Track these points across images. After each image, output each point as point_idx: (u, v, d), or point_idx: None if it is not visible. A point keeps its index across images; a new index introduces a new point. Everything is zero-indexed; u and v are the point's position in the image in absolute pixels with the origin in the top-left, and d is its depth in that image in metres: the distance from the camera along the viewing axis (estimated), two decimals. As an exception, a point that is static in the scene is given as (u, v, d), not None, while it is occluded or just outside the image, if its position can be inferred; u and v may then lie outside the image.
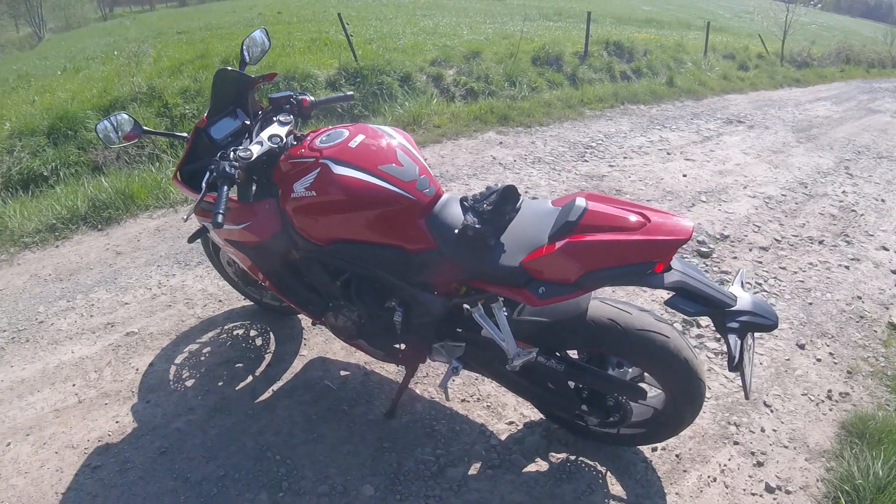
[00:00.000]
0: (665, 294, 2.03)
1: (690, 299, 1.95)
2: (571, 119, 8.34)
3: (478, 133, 7.39)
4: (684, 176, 6.22)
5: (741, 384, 2.02)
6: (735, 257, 4.50)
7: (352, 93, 3.09)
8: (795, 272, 4.37)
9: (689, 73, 12.10)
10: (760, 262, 4.46)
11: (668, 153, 7.03)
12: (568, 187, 5.70)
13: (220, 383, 3.11)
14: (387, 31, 13.47)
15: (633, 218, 1.95)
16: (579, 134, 7.63)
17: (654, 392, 2.44)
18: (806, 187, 6.19)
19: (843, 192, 6.18)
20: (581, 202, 2.03)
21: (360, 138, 2.35)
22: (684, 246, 3.17)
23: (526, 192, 5.55)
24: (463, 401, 3.00)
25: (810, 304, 4.01)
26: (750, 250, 4.64)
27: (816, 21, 29.38)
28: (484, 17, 19.84)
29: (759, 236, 4.89)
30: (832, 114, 10.52)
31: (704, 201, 5.55)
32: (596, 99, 9.34)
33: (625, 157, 6.76)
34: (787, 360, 3.44)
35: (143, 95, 7.60)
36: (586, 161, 6.55)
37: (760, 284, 4.16)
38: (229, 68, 2.71)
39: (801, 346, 3.57)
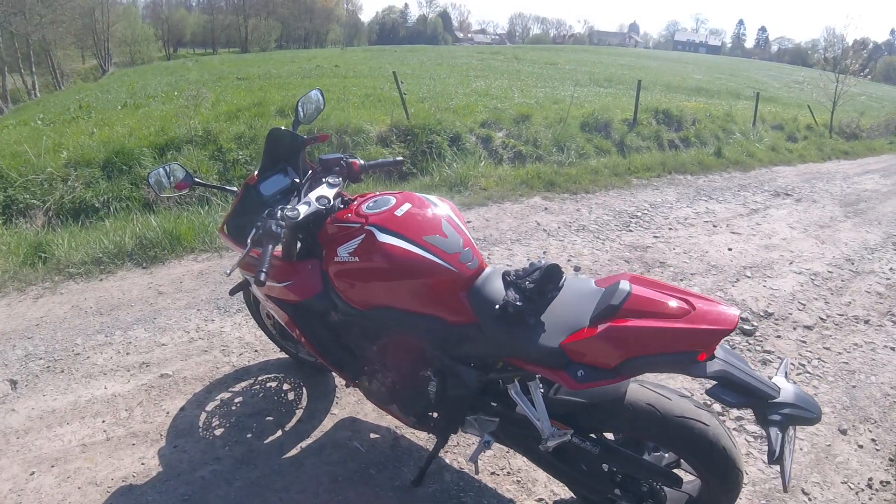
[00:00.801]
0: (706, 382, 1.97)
1: (733, 390, 1.88)
2: (618, 187, 8.30)
3: (523, 198, 7.38)
4: (729, 250, 6.11)
5: (780, 476, 1.93)
6: (779, 336, 4.37)
7: (401, 158, 3.10)
8: (840, 353, 4.22)
9: (738, 144, 12.03)
10: (804, 342, 4.31)
11: (714, 225, 6.94)
12: (611, 257, 5.65)
13: (249, 435, 3.07)
14: (439, 91, 13.72)
15: (677, 304, 1.90)
16: (625, 203, 7.59)
17: (689, 478, 2.35)
18: (853, 264, 6.03)
19: (891, 268, 5.99)
20: (625, 285, 1.98)
21: (406, 207, 2.35)
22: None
23: (569, 260, 5.51)
24: (492, 473, 2.91)
25: (854, 386, 3.85)
26: (794, 329, 4.49)
27: (866, 92, 29.13)
28: (536, 80, 20.13)
29: (804, 314, 4.75)
30: (880, 187, 10.30)
31: (749, 276, 5.43)
32: (643, 167, 9.31)
33: (670, 229, 6.68)
34: (828, 445, 3.28)
35: (199, 138, 7.80)
36: (631, 231, 6.49)
37: (804, 366, 4.01)
38: (283, 128, 2.74)
39: (843, 432, 3.41)
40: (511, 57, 34.00)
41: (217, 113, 9.53)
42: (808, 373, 3.95)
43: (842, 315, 4.79)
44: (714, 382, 1.90)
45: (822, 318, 4.70)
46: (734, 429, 3.32)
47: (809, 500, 2.90)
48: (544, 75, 23.03)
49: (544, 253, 5.63)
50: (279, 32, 77.63)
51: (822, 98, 17.49)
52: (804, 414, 1.86)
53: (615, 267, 5.41)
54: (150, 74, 26.34)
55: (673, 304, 1.90)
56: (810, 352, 4.19)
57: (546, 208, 7.08)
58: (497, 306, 2.10)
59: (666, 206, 7.59)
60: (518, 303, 2.05)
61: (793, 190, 9.18)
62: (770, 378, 1.96)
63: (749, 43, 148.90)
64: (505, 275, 2.27)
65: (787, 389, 1.90)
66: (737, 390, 1.87)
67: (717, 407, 3.43)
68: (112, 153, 7.08)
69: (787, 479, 1.88)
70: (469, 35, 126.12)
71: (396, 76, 10.03)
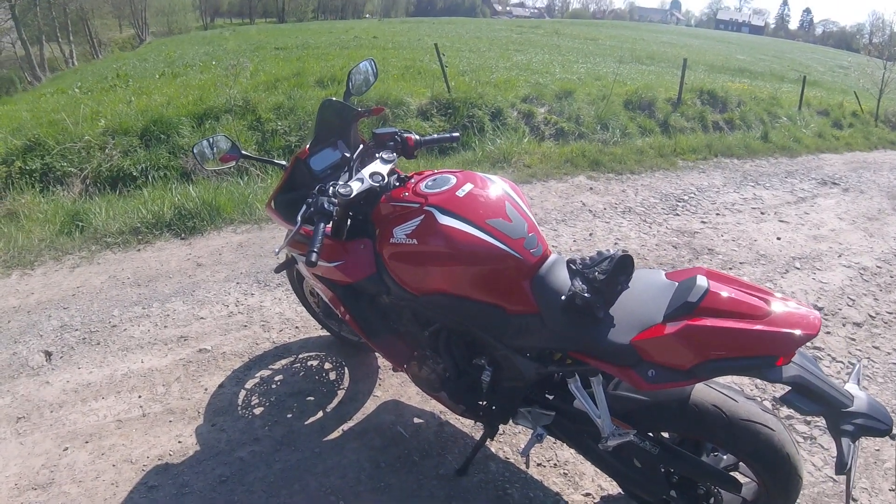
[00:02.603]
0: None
1: (807, 396, 1.77)
2: (664, 169, 8.09)
3: (568, 176, 7.22)
4: (778, 239, 5.91)
5: (845, 488, 1.84)
6: (828, 332, 4.20)
7: (457, 134, 2.96)
8: (889, 353, 4.04)
9: (784, 129, 11.69)
10: (853, 340, 4.15)
11: (762, 212, 6.72)
12: (659, 242, 5.47)
13: (290, 415, 3.00)
14: (479, 65, 13.52)
15: (757, 304, 1.77)
16: (671, 185, 7.38)
17: (745, 480, 2.23)
18: (901, 260, 5.80)
19: (940, 266, 5.76)
20: (702, 281, 1.85)
21: (468, 187, 2.22)
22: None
23: (616, 243, 5.36)
24: (539, 465, 2.81)
25: (903, 389, 3.68)
26: (843, 325, 4.32)
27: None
28: (576, 55, 19.81)
29: (854, 311, 4.56)
30: (929, 180, 9.96)
31: (798, 268, 5.23)
32: (689, 149, 9.08)
33: (717, 214, 6.48)
34: (877, 450, 3.13)
35: (238, 108, 7.72)
36: (678, 215, 6.30)
37: (854, 365, 3.85)
38: (335, 99, 2.62)
39: (893, 437, 3.24)
40: (551, 31, 33.60)
41: (256, 83, 9.46)
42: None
43: (891, 313, 4.59)
44: (788, 388, 1.79)
45: (871, 316, 4.51)
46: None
47: None
48: (585, 50, 22.66)
49: (590, 235, 5.47)
50: (316, 3, 77.42)
51: (867, 85, 16.96)
52: (877, 425, 1.76)
53: (663, 252, 5.24)
54: (188, 44, 26.37)
55: (752, 303, 1.78)
56: (860, 350, 4.03)
57: (591, 188, 6.91)
58: (563, 297, 1.98)
59: (713, 191, 7.37)
60: (586, 294, 1.91)
61: (840, 179, 8.88)
62: (843, 384, 1.86)
63: (793, 24, 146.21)
64: (570, 263, 2.12)
65: (860, 398, 1.81)
66: (811, 397, 1.77)
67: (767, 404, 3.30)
68: (150, 122, 7.05)
69: (851, 491, 1.82)
70: (507, 8, 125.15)
71: (438, 48, 9.86)
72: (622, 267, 1.94)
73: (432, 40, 12.77)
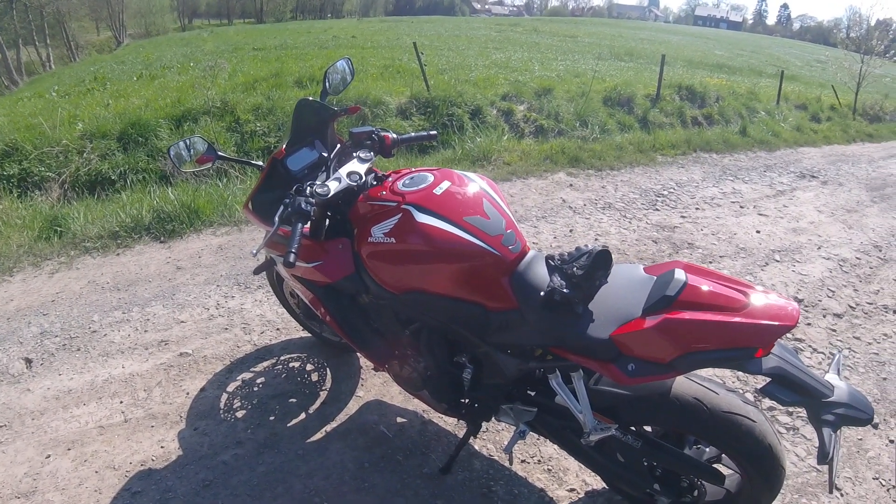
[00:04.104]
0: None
1: (787, 387, 1.78)
2: (643, 164, 8.13)
3: (548, 173, 7.24)
4: (758, 232, 5.96)
5: (828, 478, 1.86)
6: (809, 324, 4.24)
7: (435, 132, 2.95)
8: (870, 343, 4.09)
9: (762, 123, 11.79)
10: (834, 331, 4.19)
11: (741, 206, 6.77)
12: (639, 237, 5.50)
13: (272, 418, 2.99)
14: (458, 63, 13.52)
15: (735, 296, 1.79)
16: (651, 181, 7.43)
17: (727, 472, 2.25)
18: (881, 251, 5.84)
19: (919, 257, 5.84)
20: (680, 275, 1.86)
21: (445, 185, 2.21)
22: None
23: (596, 239, 5.38)
24: (522, 461, 2.82)
25: (885, 378, 3.71)
26: (824, 317, 4.37)
27: (890, 73, 28.45)
28: (555, 53, 19.86)
29: (834, 302, 4.61)
30: (907, 172, 10.08)
31: (778, 261, 5.28)
32: (668, 145, 9.13)
33: (697, 209, 6.52)
34: (860, 439, 3.17)
35: (216, 109, 7.70)
36: (657, 210, 6.34)
37: (834, 356, 3.89)
38: (312, 99, 2.61)
39: (875, 426, 3.29)
40: (530, 29, 33.65)
41: (234, 84, 9.42)
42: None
43: (871, 304, 4.64)
44: (768, 379, 1.81)
45: (851, 307, 4.56)
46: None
47: (842, 495, 2.81)
48: (564, 48, 22.72)
49: (570, 231, 5.49)
50: (294, 3, 76.99)
51: (845, 78, 17.12)
52: (857, 414, 1.78)
53: (643, 247, 5.28)
54: (166, 45, 26.17)
55: (730, 295, 1.80)
56: (840, 341, 4.08)
57: (571, 185, 6.94)
58: (542, 293, 1.98)
59: (692, 185, 7.42)
60: (565, 290, 1.92)
61: (819, 172, 8.97)
62: (823, 375, 1.88)
63: (770, 20, 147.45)
64: (549, 259, 2.14)
65: (840, 388, 1.83)
66: (791, 388, 1.79)
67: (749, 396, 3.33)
68: (128, 125, 7.00)
69: (835, 481, 1.83)
70: (486, 6, 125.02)
71: (416, 47, 9.85)
72: (600, 262, 1.95)
73: (411, 39, 12.75)
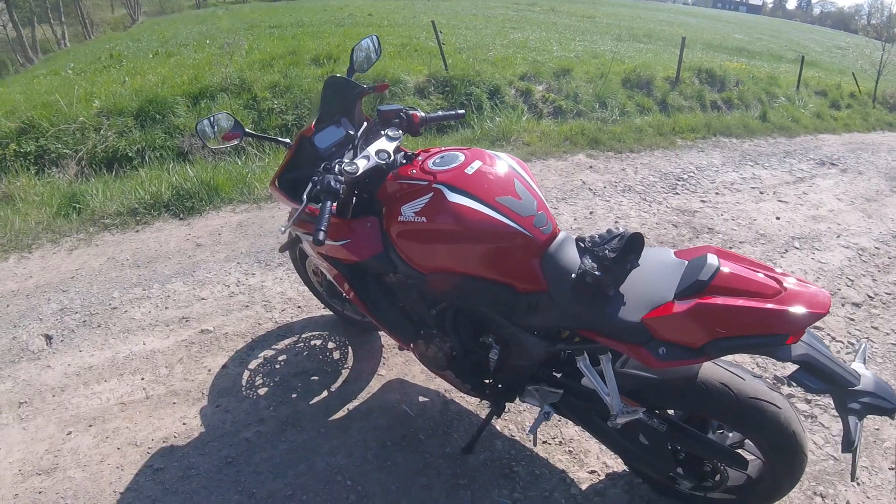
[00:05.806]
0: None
1: (815, 375, 1.77)
2: (663, 147, 8.06)
3: (567, 155, 7.19)
4: (777, 219, 5.89)
5: (851, 465, 1.87)
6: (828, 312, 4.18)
7: (462, 111, 2.92)
8: (888, 333, 4.04)
9: (782, 109, 11.64)
10: (853, 320, 4.15)
11: (761, 192, 6.70)
12: (659, 220, 5.46)
13: (294, 395, 2.99)
14: (476, 42, 13.38)
15: (767, 282, 1.77)
16: (671, 164, 7.36)
17: (750, 458, 2.24)
18: (899, 241, 5.79)
19: (938, 248, 5.76)
20: (713, 259, 1.84)
21: (476, 164, 2.18)
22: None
23: (616, 222, 5.34)
24: (544, 442, 2.81)
25: (902, 369, 3.69)
26: (842, 305, 4.33)
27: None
28: (574, 33, 19.62)
29: (853, 291, 4.56)
30: (927, 162, 9.95)
31: (798, 248, 5.23)
32: (688, 128, 9.04)
33: (717, 193, 6.46)
34: (877, 429, 3.14)
35: (234, 87, 7.66)
36: (678, 194, 6.28)
37: (853, 344, 3.86)
38: (340, 76, 2.57)
39: (892, 416, 3.25)
40: (547, 9, 33.22)
41: (251, 61, 9.35)
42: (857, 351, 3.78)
43: (889, 294, 4.59)
44: (797, 367, 1.80)
45: (869, 296, 4.51)
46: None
47: (858, 484, 2.79)
48: (582, 28, 22.43)
49: (591, 213, 5.44)
50: (310, -19, 76.63)
51: (865, 66, 16.88)
52: (883, 404, 1.79)
53: (663, 231, 5.23)
54: (181, 23, 26.01)
55: (762, 281, 1.78)
56: (859, 330, 4.04)
57: (591, 166, 6.88)
58: (573, 275, 1.96)
59: (712, 170, 7.34)
60: (596, 272, 1.90)
61: (838, 160, 8.85)
62: (849, 363, 1.87)
63: (791, 4, 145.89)
64: (580, 241, 2.11)
65: (866, 377, 1.82)
66: (819, 376, 1.78)
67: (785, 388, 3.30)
68: (145, 102, 6.98)
69: (857, 469, 1.87)
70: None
71: (435, 25, 9.78)
72: (632, 245, 1.92)
73: (428, 17, 12.68)
